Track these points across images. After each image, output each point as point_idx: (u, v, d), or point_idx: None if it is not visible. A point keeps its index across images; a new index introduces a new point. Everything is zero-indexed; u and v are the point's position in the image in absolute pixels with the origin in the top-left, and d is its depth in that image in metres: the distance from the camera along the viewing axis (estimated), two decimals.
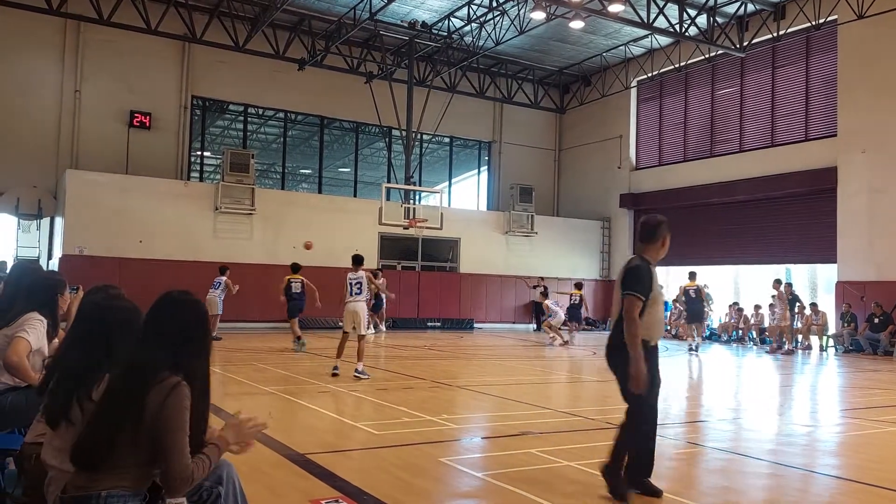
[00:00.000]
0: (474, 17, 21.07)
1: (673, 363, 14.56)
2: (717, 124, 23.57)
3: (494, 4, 20.21)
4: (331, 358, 12.65)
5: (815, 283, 22.15)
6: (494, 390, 9.72)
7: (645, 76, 25.51)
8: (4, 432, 4.19)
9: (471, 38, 22.71)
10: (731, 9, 21.12)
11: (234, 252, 20.26)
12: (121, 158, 21.10)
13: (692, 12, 20.39)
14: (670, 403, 8.77)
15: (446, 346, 17.01)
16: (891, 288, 18.02)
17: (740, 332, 21.48)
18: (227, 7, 21.35)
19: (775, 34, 20.78)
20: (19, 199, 19.60)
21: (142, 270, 18.68)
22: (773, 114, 21.83)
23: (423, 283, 23.94)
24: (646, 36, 23.10)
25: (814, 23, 19.74)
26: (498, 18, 21.20)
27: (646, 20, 19.67)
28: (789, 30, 20.61)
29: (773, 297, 18.79)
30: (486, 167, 28.51)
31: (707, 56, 22.83)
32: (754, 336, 21.14)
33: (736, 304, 22.21)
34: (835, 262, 19.68)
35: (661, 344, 4.98)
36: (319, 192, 25.18)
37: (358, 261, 10.90)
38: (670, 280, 23.62)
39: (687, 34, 20.72)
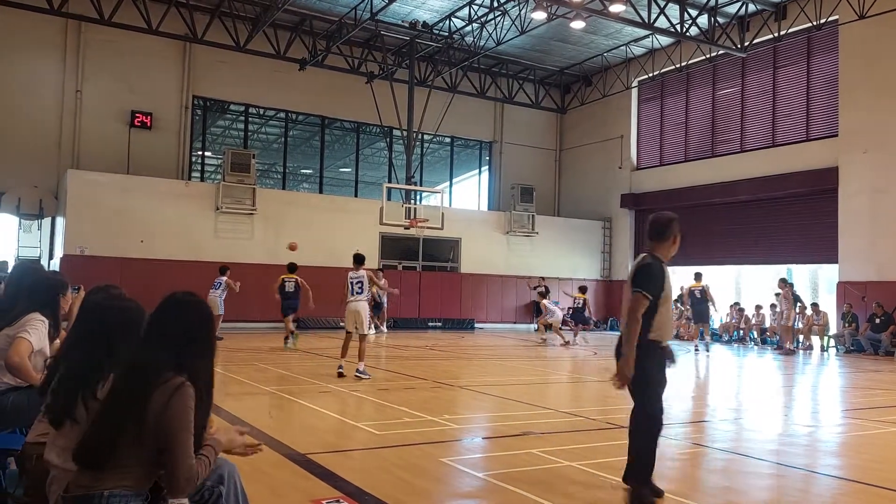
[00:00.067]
0: (475, 17, 21.07)
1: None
2: (718, 124, 23.56)
3: (495, 4, 20.20)
4: (332, 358, 12.65)
5: (817, 284, 22.15)
6: (495, 390, 9.72)
7: (646, 76, 25.50)
8: (6, 432, 4.19)
9: (472, 38, 22.70)
10: (732, 9, 21.11)
11: (235, 252, 20.27)
12: (122, 158, 21.11)
13: (693, 12, 20.38)
14: (671, 403, 8.75)
15: (447, 347, 17.01)
16: (892, 288, 18.01)
17: (741, 332, 21.47)
18: (228, 7, 21.35)
19: (776, 34, 20.76)
20: (20, 199, 19.60)
21: (143, 270, 18.69)
22: (775, 114, 21.81)
23: (424, 283, 23.94)
24: (647, 36, 23.09)
25: (815, 23, 19.73)
26: (499, 18, 21.19)
27: (647, 20, 19.66)
28: (790, 30, 20.60)
29: (777, 295, 18.74)
30: (486, 167, 28.51)
31: (708, 56, 22.82)
32: (755, 336, 21.13)
33: (737, 304, 22.20)
34: (836, 262, 19.67)
35: None
36: (320, 192, 25.19)
37: (359, 260, 10.87)
38: (673, 281, 23.58)
39: (688, 34, 20.71)
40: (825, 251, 20.07)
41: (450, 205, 25.98)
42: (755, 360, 16.29)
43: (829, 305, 19.89)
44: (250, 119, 24.75)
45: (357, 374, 10.20)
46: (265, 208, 21.16)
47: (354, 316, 10.54)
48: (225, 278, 16.36)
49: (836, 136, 19.81)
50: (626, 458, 4.68)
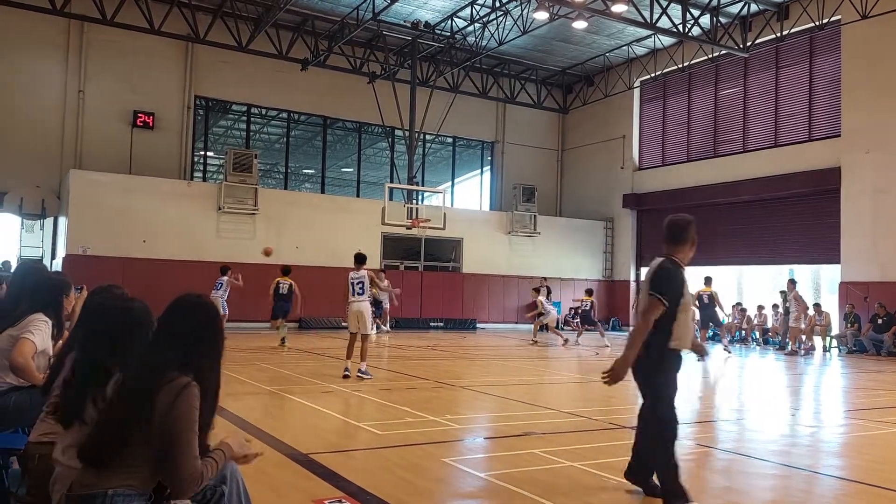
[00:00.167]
0: (477, 17, 21.07)
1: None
2: (721, 124, 23.54)
3: (497, 4, 20.21)
4: (333, 358, 12.67)
5: (819, 284, 22.12)
6: (497, 390, 9.72)
7: (648, 76, 25.48)
8: (8, 432, 4.20)
9: (474, 39, 22.70)
10: (735, 9, 21.09)
11: (237, 252, 20.29)
12: (124, 158, 21.14)
13: (695, 12, 20.37)
14: (675, 404, 8.75)
15: (449, 347, 17.01)
16: (894, 288, 17.98)
17: (743, 332, 21.44)
18: (230, 7, 21.37)
19: (779, 34, 20.74)
20: (23, 199, 19.63)
21: (145, 270, 18.73)
22: (777, 114, 21.79)
23: (426, 283, 23.95)
24: (649, 36, 23.08)
25: (817, 23, 19.70)
26: (501, 18, 21.20)
27: (649, 20, 19.65)
28: (793, 30, 20.58)
29: (784, 295, 18.67)
30: (488, 167, 28.50)
31: (710, 56, 22.80)
32: (757, 336, 21.11)
33: (739, 304, 22.17)
34: (838, 262, 19.65)
35: None
36: (322, 192, 25.20)
37: (360, 260, 10.83)
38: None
39: (690, 34, 20.70)
40: (827, 251, 20.06)
41: (452, 205, 25.99)
42: (757, 361, 16.27)
43: (832, 306, 19.86)
44: (252, 119, 24.76)
45: (359, 374, 10.20)
46: (267, 208, 21.17)
47: (357, 316, 10.52)
48: (226, 278, 16.39)
49: (839, 136, 19.78)
50: (629, 457, 4.67)
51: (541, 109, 28.33)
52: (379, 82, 23.35)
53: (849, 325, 18.56)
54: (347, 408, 8.19)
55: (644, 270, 25.78)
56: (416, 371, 11.56)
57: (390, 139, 25.77)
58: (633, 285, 26.03)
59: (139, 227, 19.50)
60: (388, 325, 21.01)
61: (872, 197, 18.80)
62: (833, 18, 19.59)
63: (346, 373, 10.24)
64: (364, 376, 10.13)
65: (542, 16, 19.65)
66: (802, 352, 17.95)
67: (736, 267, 23.78)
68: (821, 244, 20.35)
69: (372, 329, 12.96)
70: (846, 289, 19.21)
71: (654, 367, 4.28)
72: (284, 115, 24.75)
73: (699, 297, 17.42)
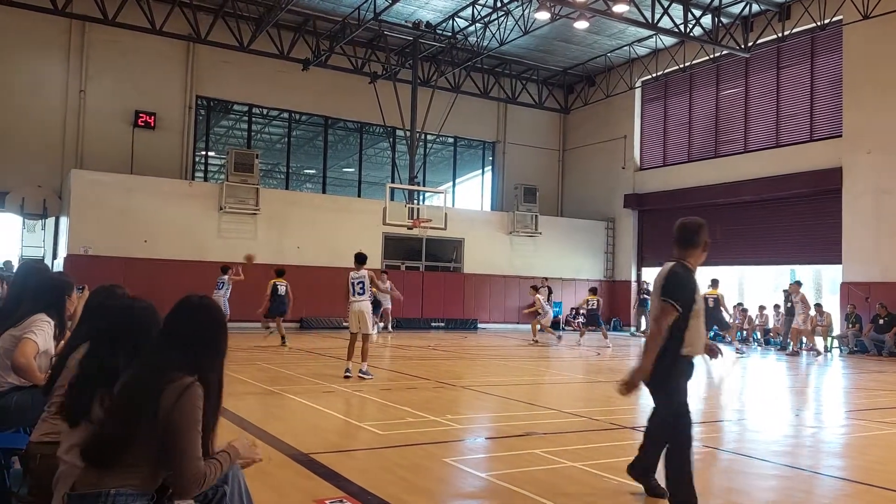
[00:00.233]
0: (478, 17, 21.07)
1: None
2: (722, 125, 23.53)
3: (499, 5, 20.20)
4: (334, 358, 12.67)
5: (820, 284, 22.09)
6: (498, 391, 9.72)
7: (649, 76, 25.47)
8: (10, 431, 4.21)
9: (475, 39, 22.70)
10: (736, 9, 21.08)
11: (238, 252, 20.19)
12: (125, 158, 21.16)
13: (697, 12, 20.36)
14: None
15: (450, 347, 17.01)
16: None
17: (744, 332, 21.42)
18: (231, 7, 21.39)
19: (780, 34, 20.72)
20: (24, 199, 19.64)
21: (147, 270, 18.74)
22: (778, 114, 21.78)
23: (427, 283, 23.94)
24: (650, 36, 23.08)
25: (819, 23, 19.68)
26: (502, 19, 21.19)
27: (650, 20, 19.64)
28: (794, 30, 20.56)
29: (787, 294, 18.63)
30: (490, 167, 28.50)
31: (712, 56, 22.79)
32: (758, 337, 21.09)
33: (740, 304, 22.15)
34: (840, 262, 19.63)
35: None
36: (323, 192, 25.21)
37: (360, 259, 10.81)
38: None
39: (692, 34, 20.69)
40: (829, 252, 20.04)
41: (453, 205, 25.99)
42: (759, 362, 16.25)
43: (833, 306, 19.84)
44: (254, 119, 24.77)
45: (360, 374, 10.20)
46: (268, 208, 21.17)
47: (357, 316, 10.52)
48: (227, 277, 16.40)
49: (840, 136, 19.77)
50: (637, 454, 4.66)
51: (542, 109, 28.32)
52: (380, 82, 23.35)
53: (850, 326, 18.54)
54: (348, 408, 8.19)
55: (646, 271, 26.07)
56: (417, 371, 11.57)
57: (391, 139, 25.77)
58: (633, 286, 26.02)
59: (140, 227, 19.50)
60: (390, 326, 21.00)
61: (874, 197, 18.78)
62: (835, 19, 19.56)
63: (348, 373, 10.24)
64: (365, 376, 10.13)
65: (543, 16, 19.64)
66: (814, 353, 17.94)
67: (737, 267, 23.76)
68: (822, 244, 20.34)
69: (373, 329, 12.94)
70: (847, 289, 19.20)
71: (665, 373, 4.21)
72: (286, 115, 24.76)
73: (704, 299, 17.36)
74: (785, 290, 19.29)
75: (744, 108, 22.80)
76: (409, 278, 23.32)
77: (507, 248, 25.47)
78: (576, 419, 7.56)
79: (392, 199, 20.95)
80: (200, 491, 2.65)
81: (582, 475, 5.17)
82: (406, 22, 21.86)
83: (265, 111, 24.77)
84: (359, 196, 25.46)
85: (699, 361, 4.37)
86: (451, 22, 21.91)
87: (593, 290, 19.62)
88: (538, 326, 19.20)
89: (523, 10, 20.39)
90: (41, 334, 4.20)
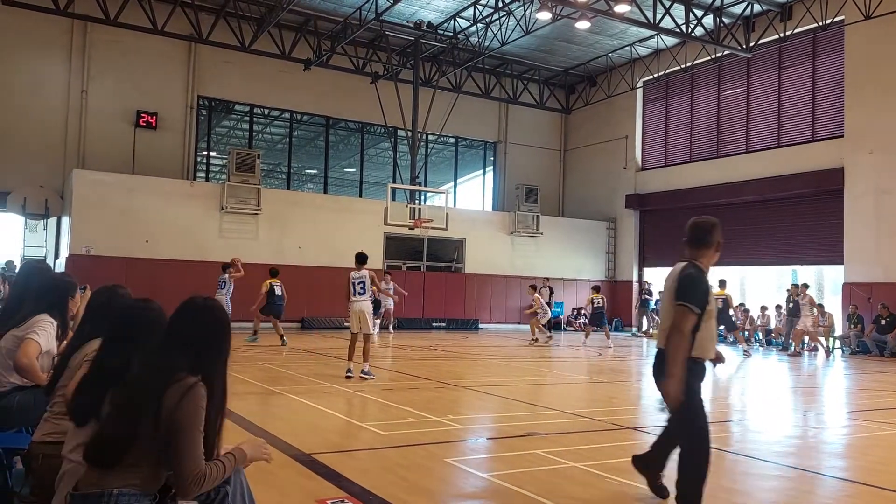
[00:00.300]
0: (480, 17, 21.07)
1: None
2: (724, 125, 23.51)
3: (500, 5, 20.21)
4: (336, 358, 12.67)
5: (822, 285, 22.07)
6: (500, 391, 9.71)
7: (651, 76, 25.46)
8: (12, 431, 4.21)
9: (476, 39, 22.70)
10: (738, 9, 21.07)
11: (239, 252, 20.17)
12: (127, 158, 21.17)
13: (698, 13, 20.35)
14: None
15: (451, 347, 17.01)
16: None
17: (746, 333, 21.40)
18: (233, 7, 21.40)
19: (782, 35, 20.71)
20: (26, 199, 19.66)
21: (148, 270, 18.76)
22: (780, 114, 21.76)
23: (429, 283, 23.95)
24: (652, 36, 23.07)
25: (820, 23, 19.67)
26: (503, 19, 21.19)
27: (652, 20, 19.63)
28: (796, 30, 20.55)
29: (792, 298, 18.57)
30: (491, 167, 28.50)
31: (713, 56, 22.78)
32: (760, 337, 21.07)
33: (742, 305, 22.14)
34: (841, 263, 19.62)
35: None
36: (325, 192, 25.22)
37: (361, 259, 10.80)
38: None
39: (693, 35, 20.67)
40: (830, 252, 20.02)
41: (454, 205, 25.99)
42: (761, 362, 16.24)
43: (835, 307, 19.83)
44: (255, 119, 24.79)
45: (362, 374, 10.20)
46: (270, 208, 21.19)
47: (358, 316, 10.52)
48: (227, 275, 16.31)
49: (842, 136, 19.75)
50: (648, 450, 4.62)
51: (543, 110, 28.31)
52: (381, 82, 23.36)
53: (852, 326, 18.52)
54: (350, 408, 8.20)
55: (647, 271, 26.05)
56: (419, 371, 11.57)
57: (393, 139, 25.77)
58: (635, 286, 26.01)
59: (142, 227, 19.52)
60: (391, 326, 20.98)
61: (876, 197, 18.77)
62: (836, 19, 19.54)
63: (349, 373, 10.24)
64: (367, 377, 10.13)
65: (544, 16, 19.63)
66: (814, 353, 17.91)
67: (739, 268, 23.73)
68: (824, 245, 20.32)
69: (374, 329, 12.96)
70: (849, 289, 19.18)
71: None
72: (287, 115, 24.77)
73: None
74: (789, 290, 19.23)
75: (745, 108, 22.78)
76: (410, 278, 23.32)
77: (509, 248, 25.47)
78: (577, 419, 7.56)
79: (393, 199, 20.96)
80: (201, 491, 2.65)
81: (584, 476, 5.17)
82: (407, 22, 21.86)
83: (267, 111, 24.79)
84: (360, 196, 25.46)
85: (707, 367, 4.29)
86: (452, 22, 21.92)
87: (596, 289, 19.62)
88: (536, 326, 19.20)
89: (525, 11, 20.39)
90: (44, 335, 4.21)
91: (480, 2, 20.66)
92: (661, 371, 4.14)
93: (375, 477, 4.95)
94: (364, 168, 26.40)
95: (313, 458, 5.43)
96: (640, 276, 26.19)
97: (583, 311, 25.42)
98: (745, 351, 17.12)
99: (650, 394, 10.37)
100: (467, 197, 28.59)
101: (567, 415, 7.85)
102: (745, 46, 21.09)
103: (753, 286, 23.82)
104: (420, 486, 4.84)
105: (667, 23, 19.95)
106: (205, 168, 24.09)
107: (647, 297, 24.73)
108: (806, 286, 18.11)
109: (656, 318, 24.62)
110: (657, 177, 25.41)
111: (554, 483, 4.93)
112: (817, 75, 20.82)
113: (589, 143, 27.93)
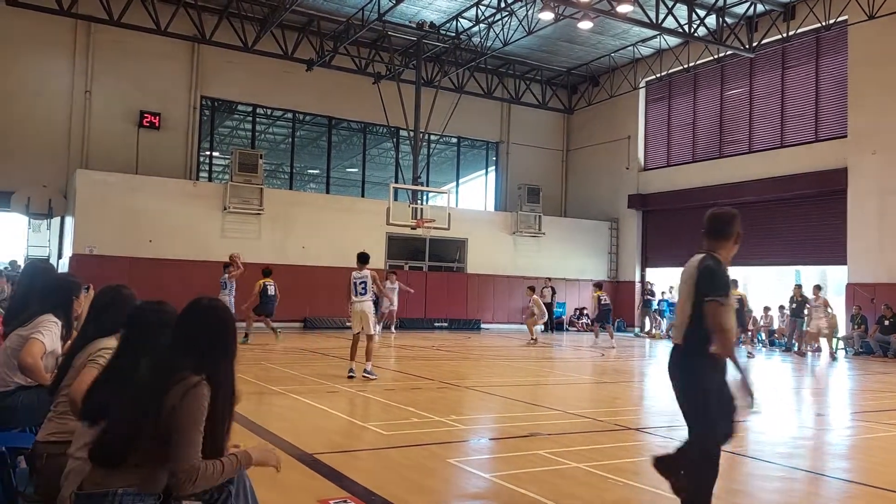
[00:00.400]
0: (482, 17, 21.07)
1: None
2: (726, 125, 23.48)
3: (503, 5, 20.20)
4: (338, 358, 12.68)
5: (825, 285, 22.01)
6: (502, 391, 9.71)
7: (653, 77, 25.44)
8: (16, 431, 4.22)
9: (479, 39, 22.70)
10: (741, 9, 21.04)
11: (242, 252, 20.10)
12: (130, 158, 21.21)
13: (701, 13, 20.33)
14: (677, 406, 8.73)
15: (454, 347, 17.01)
16: None
17: (749, 333, 21.35)
18: (236, 8, 21.43)
19: (785, 35, 20.68)
20: (30, 199, 19.71)
21: (151, 270, 18.78)
22: (783, 114, 21.73)
23: (431, 283, 23.95)
24: (654, 36, 23.04)
25: (824, 23, 19.64)
26: (506, 19, 21.19)
27: (654, 20, 19.62)
28: (799, 30, 20.51)
29: (795, 298, 18.53)
30: (493, 167, 28.49)
31: (716, 56, 22.75)
32: (763, 338, 21.04)
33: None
34: (845, 263, 19.58)
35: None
36: (327, 192, 25.24)
37: (363, 259, 10.78)
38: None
39: (696, 34, 20.65)
40: (833, 252, 19.99)
41: (456, 205, 25.93)
42: (763, 362, 16.22)
43: (838, 307, 19.77)
44: (258, 119, 24.81)
45: (364, 374, 10.20)
46: (272, 208, 21.21)
47: (360, 316, 10.52)
48: (227, 274, 16.20)
49: (845, 136, 19.72)
50: (673, 452, 4.30)
51: (546, 110, 28.30)
52: (384, 83, 23.37)
53: (855, 327, 18.49)
54: (352, 408, 8.20)
55: (649, 271, 26.03)
56: (421, 371, 11.57)
57: (395, 139, 25.78)
58: (637, 286, 25.99)
59: (145, 227, 19.55)
60: (393, 326, 20.97)
61: (879, 198, 18.73)
62: (840, 19, 19.51)
63: (352, 373, 10.24)
64: (369, 377, 10.13)
65: (547, 16, 19.63)
66: (817, 354, 17.89)
67: (741, 268, 23.68)
68: (827, 245, 20.29)
69: (375, 329, 12.92)
70: (853, 290, 19.14)
71: (692, 369, 3.95)
72: (290, 115, 24.79)
73: None
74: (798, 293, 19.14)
75: (748, 108, 22.76)
76: (412, 278, 23.32)
77: (511, 248, 25.46)
78: (580, 420, 7.56)
79: (396, 199, 20.97)
80: (196, 489, 2.65)
81: (587, 476, 5.17)
82: (410, 22, 21.87)
83: (269, 111, 24.81)
84: (362, 196, 25.47)
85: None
86: (454, 22, 21.92)
87: (599, 286, 19.57)
88: (535, 326, 19.20)
89: (527, 11, 20.38)
90: (48, 335, 4.22)
91: (483, 2, 20.65)
92: (676, 367, 3.99)
93: (378, 477, 4.96)
94: (366, 168, 26.41)
95: (316, 458, 5.43)
96: (643, 276, 26.17)
97: (585, 311, 25.42)
98: (748, 352, 17.13)
99: (653, 394, 10.37)
100: (469, 197, 28.59)
101: (570, 415, 7.85)
102: (747, 46, 21.06)
103: (756, 287, 23.77)
104: (423, 487, 4.84)
105: (669, 23, 19.94)
106: (208, 168, 24.12)
107: (649, 297, 24.71)
108: (819, 288, 18.08)
109: (658, 318, 24.61)
110: (660, 177, 25.39)
111: (557, 484, 4.93)
112: (820, 75, 20.78)
113: (591, 144, 27.91)
